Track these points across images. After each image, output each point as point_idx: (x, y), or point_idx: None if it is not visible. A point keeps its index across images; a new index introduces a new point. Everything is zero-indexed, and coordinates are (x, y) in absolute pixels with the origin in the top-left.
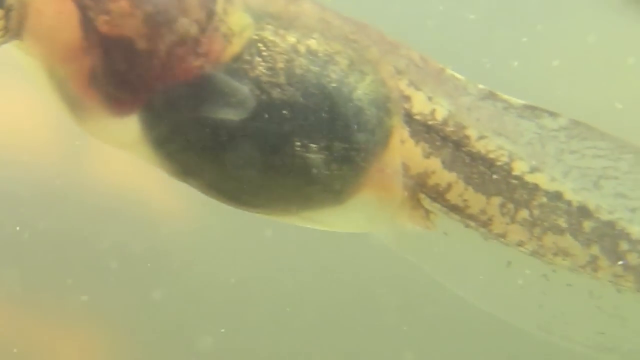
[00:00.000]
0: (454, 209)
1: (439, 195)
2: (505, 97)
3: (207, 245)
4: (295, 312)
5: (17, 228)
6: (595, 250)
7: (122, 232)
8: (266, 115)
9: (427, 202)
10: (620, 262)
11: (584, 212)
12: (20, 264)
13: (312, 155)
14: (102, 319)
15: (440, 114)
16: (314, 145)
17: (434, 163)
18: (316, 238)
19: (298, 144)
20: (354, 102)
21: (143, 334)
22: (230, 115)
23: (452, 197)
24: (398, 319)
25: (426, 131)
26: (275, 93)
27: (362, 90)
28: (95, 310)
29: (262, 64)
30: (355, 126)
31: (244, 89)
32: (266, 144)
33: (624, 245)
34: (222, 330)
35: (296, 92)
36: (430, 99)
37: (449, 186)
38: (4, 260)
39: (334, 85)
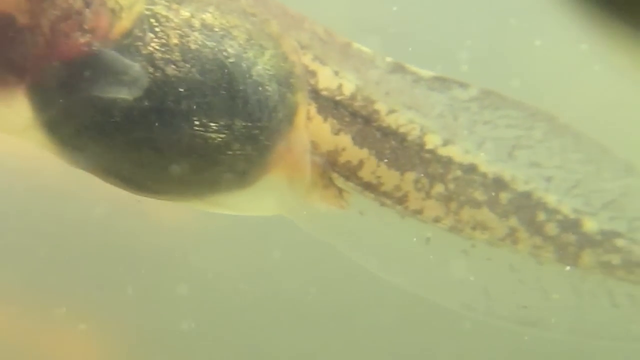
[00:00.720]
0: (367, 186)
1: (351, 173)
2: (415, 69)
3: (210, 245)
4: (297, 312)
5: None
6: (513, 222)
7: (123, 233)
8: (161, 94)
9: (339, 181)
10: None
11: (499, 183)
12: (20, 264)
13: (211, 135)
14: (102, 319)
15: (348, 88)
16: (213, 124)
17: (344, 140)
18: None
19: (196, 123)
20: (254, 78)
21: (144, 335)
22: (122, 94)
23: (365, 174)
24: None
25: (334, 107)
26: (170, 70)
27: (262, 65)
28: (96, 311)
29: (155, 40)
30: (256, 103)
31: (136, 66)
32: (162, 124)
33: (541, 216)
34: (223, 331)
35: (192, 68)
36: (336, 73)
37: (361, 163)
38: (4, 260)
39: (231, 60)
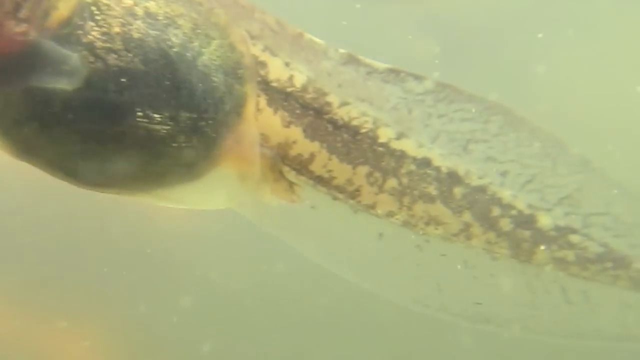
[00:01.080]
0: (319, 180)
1: (302, 166)
2: (369, 61)
3: (212, 248)
4: (296, 312)
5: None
6: (467, 217)
7: (125, 233)
8: (102, 85)
9: (291, 174)
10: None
11: (453, 178)
12: (22, 265)
13: (155, 127)
14: (103, 320)
15: (299, 80)
16: (157, 116)
17: (295, 132)
18: None
19: (139, 114)
20: (199, 68)
21: (144, 335)
22: (62, 85)
23: (316, 167)
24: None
25: (285, 99)
26: (112, 60)
27: (208, 55)
28: (96, 312)
29: (96, 29)
30: (202, 94)
31: (75, 56)
32: (104, 115)
33: (495, 211)
34: (225, 333)
35: (134, 58)
36: (287, 64)
37: (312, 156)
38: (5, 261)
39: (176, 50)
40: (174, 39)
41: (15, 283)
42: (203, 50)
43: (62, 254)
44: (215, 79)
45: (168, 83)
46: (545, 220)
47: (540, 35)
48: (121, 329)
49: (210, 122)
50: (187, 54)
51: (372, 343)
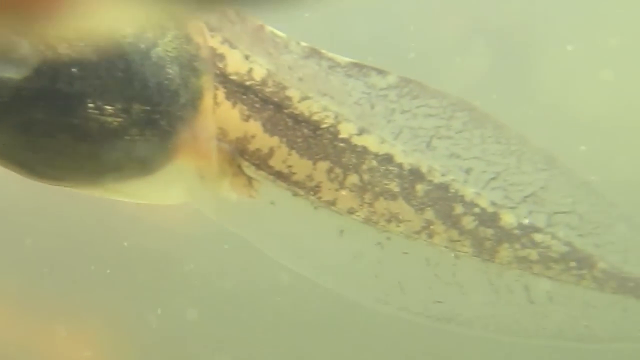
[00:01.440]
0: (279, 176)
1: (261, 161)
2: (331, 55)
3: (205, 247)
4: (295, 311)
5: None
6: (429, 214)
7: (127, 235)
8: (53, 74)
9: (250, 170)
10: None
11: (416, 174)
12: (23, 266)
13: (107, 119)
14: (104, 320)
15: (259, 73)
16: (109, 107)
17: (254, 126)
18: None
19: (90, 105)
20: (153, 59)
21: (144, 336)
22: (11, 74)
23: (276, 163)
24: None
25: (244, 92)
26: (63, 49)
27: (162, 47)
28: (97, 312)
29: None
30: (156, 86)
31: (24, 44)
32: (55, 106)
33: (458, 209)
34: (224, 333)
35: (86, 48)
36: (247, 57)
37: (272, 151)
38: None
39: (129, 41)
40: (127, 29)
41: (15, 284)
42: (157, 41)
43: (62, 255)
44: (170, 70)
45: (120, 74)
46: (508, 219)
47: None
48: (120, 329)
49: (164, 115)
50: (141, 45)
51: (369, 341)
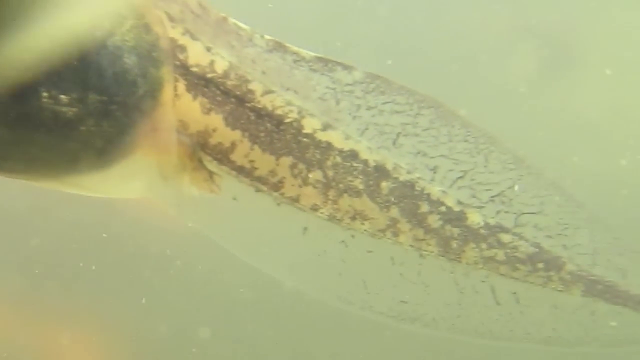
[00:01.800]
0: (241, 171)
1: (223, 155)
2: (296, 49)
3: (213, 248)
4: (295, 312)
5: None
6: (394, 212)
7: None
8: (5, 62)
9: (213, 164)
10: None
11: (381, 172)
12: (23, 266)
13: (62, 109)
14: (104, 320)
15: (221, 66)
16: (64, 97)
17: (215, 120)
18: None
19: (45, 94)
20: (109, 49)
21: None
22: None
23: (238, 157)
24: None
25: (205, 85)
26: (16, 37)
27: (120, 36)
28: (97, 312)
29: None
30: (113, 76)
31: None
32: (7, 95)
33: (424, 207)
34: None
35: (40, 36)
36: (209, 49)
37: (233, 145)
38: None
39: (85, 29)
40: (83, 17)
41: (16, 284)
42: (115, 30)
43: (62, 255)
44: (127, 60)
45: (76, 64)
46: (475, 218)
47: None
48: (121, 329)
49: (122, 106)
50: (97, 34)
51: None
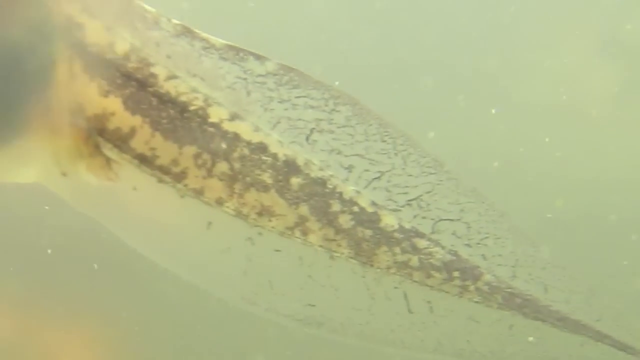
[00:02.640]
0: (141, 159)
1: (122, 142)
2: (205, 35)
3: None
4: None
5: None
6: (304, 210)
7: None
8: None
9: (113, 151)
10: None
11: (291, 167)
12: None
13: None
14: (104, 320)
15: (121, 47)
16: None
17: (114, 103)
18: None
19: None
20: None
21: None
22: None
23: (138, 144)
24: None
25: (104, 66)
26: None
27: (5, 7)
28: (97, 312)
29: None
30: None
31: None
32: None
33: (335, 206)
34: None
35: None
36: (109, 29)
37: (133, 131)
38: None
39: None
40: None
41: (16, 285)
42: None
43: (62, 256)
44: (13, 35)
45: None
46: (389, 220)
47: None
48: (121, 329)
49: (8, 83)
50: None
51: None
